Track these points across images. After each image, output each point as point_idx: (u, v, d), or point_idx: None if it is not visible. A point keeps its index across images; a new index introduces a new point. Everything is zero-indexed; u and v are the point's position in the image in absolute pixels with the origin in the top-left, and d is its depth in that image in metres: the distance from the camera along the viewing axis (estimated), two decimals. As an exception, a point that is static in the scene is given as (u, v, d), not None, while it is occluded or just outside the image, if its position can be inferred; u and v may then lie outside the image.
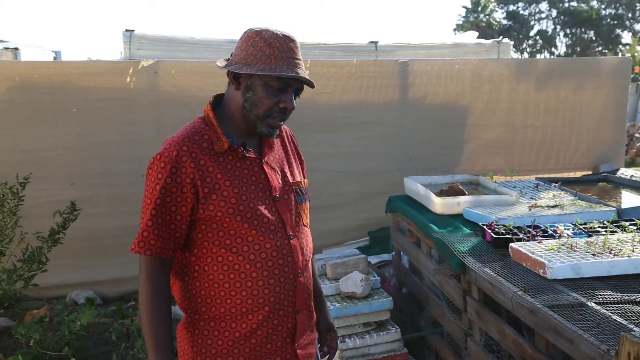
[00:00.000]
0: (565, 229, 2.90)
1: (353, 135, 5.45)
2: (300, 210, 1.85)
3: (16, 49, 6.14)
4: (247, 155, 1.74)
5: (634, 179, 4.31)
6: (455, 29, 36.21)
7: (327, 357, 2.09)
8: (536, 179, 4.40)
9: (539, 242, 2.68)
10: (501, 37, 10.02)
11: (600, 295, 2.15)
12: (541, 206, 3.42)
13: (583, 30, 34.87)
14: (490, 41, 7.15)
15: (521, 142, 5.83)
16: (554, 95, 5.84)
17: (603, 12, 33.83)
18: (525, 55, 36.33)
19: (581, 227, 2.92)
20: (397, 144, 5.55)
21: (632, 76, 6.17)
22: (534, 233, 2.84)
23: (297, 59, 1.69)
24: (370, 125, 5.48)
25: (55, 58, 7.07)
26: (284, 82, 1.67)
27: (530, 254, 2.49)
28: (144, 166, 1.71)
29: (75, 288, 4.95)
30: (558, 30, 36.17)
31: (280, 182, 1.80)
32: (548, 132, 5.88)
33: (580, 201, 3.50)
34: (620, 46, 34.34)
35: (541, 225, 2.95)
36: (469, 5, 36.01)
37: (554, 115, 5.87)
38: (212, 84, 4.66)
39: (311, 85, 1.71)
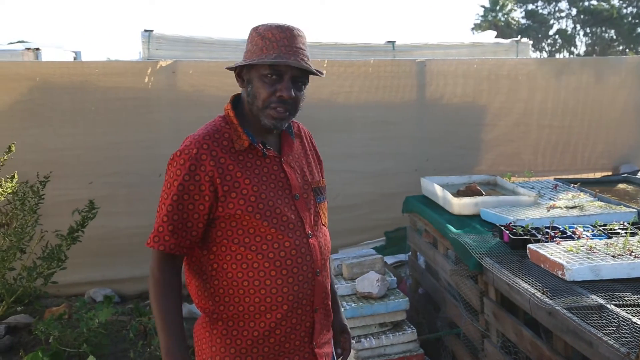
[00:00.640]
0: (584, 230, 2.87)
1: (370, 135, 5.44)
2: (319, 210, 1.85)
3: (37, 49, 6.21)
4: (267, 153, 1.74)
5: (655, 180, 4.25)
6: (473, 29, 35.99)
7: (340, 358, 2.08)
8: (555, 179, 4.36)
9: (557, 244, 2.66)
10: (520, 36, 9.95)
11: (620, 297, 2.12)
12: (560, 207, 3.38)
13: (603, 29, 34.45)
14: (508, 41, 7.09)
15: (540, 142, 5.78)
16: (573, 95, 5.78)
17: (624, 10, 33.40)
18: (545, 54, 36.00)
19: (601, 228, 2.88)
20: (414, 144, 5.53)
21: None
22: (553, 234, 2.81)
23: (294, 47, 1.67)
24: (387, 125, 5.46)
25: (75, 58, 7.15)
26: (275, 70, 1.66)
27: (548, 256, 2.47)
28: (161, 166, 1.72)
29: (94, 286, 5.01)
30: (578, 29, 35.78)
31: (300, 181, 1.81)
32: (567, 132, 5.82)
33: (599, 202, 3.46)
34: (641, 45, 33.93)
35: (560, 227, 2.92)
36: (488, 5, 35.76)
37: (573, 115, 5.81)
38: (230, 84, 4.64)
39: (312, 72, 1.70)
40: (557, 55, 35.03)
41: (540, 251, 2.55)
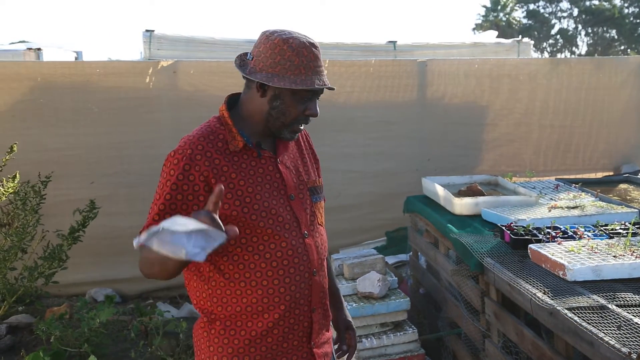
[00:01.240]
0: (585, 230, 2.87)
1: (371, 135, 5.44)
2: (315, 209, 1.85)
3: (39, 49, 6.21)
4: (262, 154, 1.75)
5: (656, 180, 4.25)
6: (474, 29, 35.97)
7: (346, 355, 2.08)
8: (556, 179, 4.35)
9: (558, 244, 2.66)
10: (521, 36, 9.95)
11: (622, 297, 2.12)
12: (561, 207, 3.38)
13: (605, 29, 34.42)
14: (510, 40, 7.08)
15: (541, 142, 5.78)
16: (574, 94, 5.77)
17: (626, 10, 33.36)
18: (546, 54, 35.96)
19: (602, 228, 2.88)
20: (415, 144, 5.53)
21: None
22: (554, 234, 2.81)
23: (321, 67, 1.72)
24: (388, 125, 5.46)
25: (76, 58, 7.15)
26: (312, 91, 1.70)
27: (549, 256, 2.47)
28: (162, 166, 1.72)
29: (95, 286, 5.01)
30: (579, 29, 35.75)
31: (295, 180, 1.81)
32: (568, 132, 5.81)
33: (601, 202, 3.46)
34: (643, 45, 33.86)
35: (561, 227, 2.92)
36: (489, 4, 35.75)
37: (574, 115, 5.80)
38: (231, 83, 4.68)
39: (332, 89, 1.76)
40: (559, 55, 35.00)
41: (542, 251, 2.54)
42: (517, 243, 2.80)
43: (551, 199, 3.66)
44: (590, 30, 35.49)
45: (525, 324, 2.55)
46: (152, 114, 5.03)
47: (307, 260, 1.76)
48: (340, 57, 5.87)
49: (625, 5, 33.33)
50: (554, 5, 35.81)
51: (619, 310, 2.01)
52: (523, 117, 5.71)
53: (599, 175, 5.61)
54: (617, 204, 3.41)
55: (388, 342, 3.23)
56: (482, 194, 3.68)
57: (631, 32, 32.64)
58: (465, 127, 5.60)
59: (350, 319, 2.12)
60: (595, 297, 2.14)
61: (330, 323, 2.01)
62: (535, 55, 31.42)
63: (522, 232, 2.86)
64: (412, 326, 3.33)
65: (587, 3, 34.37)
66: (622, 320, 1.92)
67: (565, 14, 36.13)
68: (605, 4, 33.27)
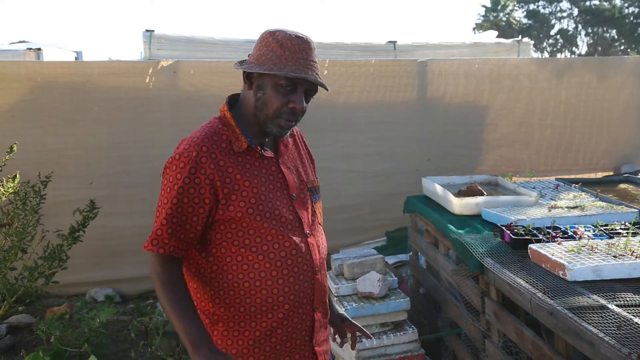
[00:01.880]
0: (585, 230, 2.87)
1: (371, 135, 5.44)
2: (315, 209, 1.86)
3: (39, 49, 6.21)
4: (265, 154, 1.75)
5: (656, 180, 4.24)
6: (474, 29, 35.93)
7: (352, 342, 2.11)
8: (556, 179, 4.35)
9: (558, 244, 2.66)
10: (521, 36, 9.95)
11: (622, 297, 2.12)
12: (561, 207, 3.38)
13: (605, 29, 34.39)
14: (510, 40, 7.08)
15: (541, 142, 5.78)
16: (574, 94, 5.77)
17: (626, 10, 33.34)
18: (546, 54, 35.94)
19: (602, 228, 2.88)
20: (416, 144, 5.53)
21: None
22: (554, 234, 2.81)
23: (310, 60, 1.68)
24: (388, 125, 5.46)
25: (76, 58, 7.14)
26: (292, 82, 1.66)
27: (549, 256, 2.47)
28: (162, 166, 1.72)
29: (95, 286, 5.01)
30: (579, 29, 35.74)
31: (296, 181, 1.82)
32: (568, 132, 5.82)
33: (601, 202, 3.45)
34: (643, 45, 33.81)
35: (561, 227, 2.92)
36: (489, 4, 35.72)
37: (574, 115, 5.80)
38: (231, 83, 4.68)
39: (324, 87, 1.71)
40: (559, 55, 34.98)
41: (542, 251, 2.54)
42: (517, 243, 2.80)
43: (551, 199, 3.66)
44: (590, 30, 35.47)
45: (525, 324, 2.55)
46: (152, 114, 5.03)
47: (309, 260, 1.76)
48: (340, 57, 5.87)
49: (626, 5, 33.31)
50: (554, 5, 35.80)
51: (619, 310, 2.01)
52: (523, 117, 5.71)
53: (599, 175, 5.61)
54: (617, 204, 3.41)
55: (388, 342, 3.23)
56: (482, 194, 3.68)
57: (631, 32, 32.61)
58: (466, 127, 5.61)
59: (342, 311, 2.14)
60: (595, 297, 2.14)
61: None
62: (536, 55, 31.40)
63: (522, 232, 2.86)
64: (412, 326, 3.33)
65: (587, 3, 34.35)
66: (622, 320, 1.92)
67: (565, 14, 36.10)
68: (605, 4, 33.25)
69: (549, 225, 2.95)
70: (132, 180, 5.00)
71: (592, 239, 2.73)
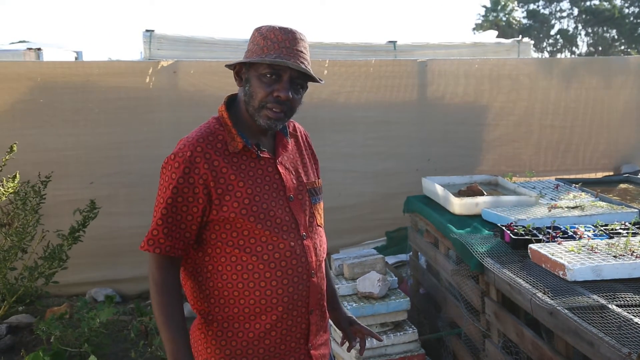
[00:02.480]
0: (585, 230, 2.87)
1: (371, 135, 5.44)
2: (314, 211, 1.84)
3: (39, 49, 6.21)
4: (261, 155, 1.74)
5: (656, 180, 4.24)
6: (474, 29, 35.92)
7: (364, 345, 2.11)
8: (556, 179, 4.35)
9: (558, 244, 2.65)
10: (521, 36, 9.94)
11: (622, 297, 2.12)
12: (561, 207, 3.38)
13: (605, 29, 34.39)
14: (510, 40, 7.08)
15: (541, 142, 5.78)
16: (574, 94, 5.77)
17: (626, 10, 33.34)
18: (546, 54, 35.94)
19: (602, 228, 2.88)
20: (416, 144, 5.53)
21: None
22: (554, 234, 2.81)
23: (294, 49, 1.67)
24: (388, 125, 5.46)
25: (76, 58, 7.15)
26: (276, 71, 1.66)
27: (549, 256, 2.47)
28: (161, 168, 1.72)
29: (95, 286, 5.01)
30: (579, 29, 35.73)
31: (294, 182, 1.80)
32: (569, 132, 5.82)
33: (601, 202, 3.45)
34: (643, 45, 33.79)
35: (561, 227, 2.92)
36: (489, 4, 35.72)
37: (574, 115, 5.80)
38: (231, 83, 4.63)
39: (310, 74, 1.69)
40: (559, 55, 34.98)
41: (542, 251, 2.54)
42: (517, 243, 2.80)
43: (551, 199, 3.66)
44: (590, 30, 35.47)
45: (525, 323, 2.55)
46: (152, 114, 5.03)
47: (305, 262, 1.75)
48: (340, 57, 5.87)
49: (626, 5, 33.30)
50: (554, 6, 35.79)
51: (619, 310, 2.01)
52: (523, 117, 5.71)
53: (599, 175, 5.61)
54: (617, 204, 3.41)
55: (388, 342, 3.23)
56: (482, 194, 3.68)
57: (631, 32, 32.60)
58: (466, 127, 5.60)
59: (350, 315, 2.12)
60: (595, 297, 2.14)
61: (329, 323, 2.00)
62: (535, 55, 31.39)
63: (522, 232, 2.86)
64: (412, 326, 3.33)
65: (587, 3, 34.35)
66: (622, 320, 1.92)
67: (565, 14, 36.11)
68: (605, 4, 33.25)
69: (549, 225, 2.95)
70: (132, 180, 5.00)
71: (592, 239, 2.73)
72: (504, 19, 35.08)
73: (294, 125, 1.94)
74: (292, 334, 1.76)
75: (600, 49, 34.39)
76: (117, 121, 4.96)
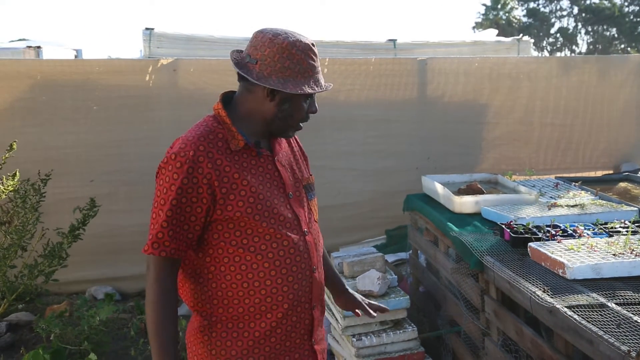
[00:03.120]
0: (585, 228, 2.87)
1: (371, 133, 5.44)
2: (311, 207, 1.86)
3: (39, 47, 6.22)
4: (261, 152, 1.74)
5: (656, 178, 4.24)
6: (474, 27, 35.90)
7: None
8: (556, 178, 4.35)
9: (558, 242, 2.66)
10: (521, 34, 9.93)
11: (621, 295, 2.12)
12: (561, 205, 3.38)
13: (605, 27, 34.37)
14: (510, 39, 7.08)
15: (541, 141, 5.78)
16: (574, 93, 5.77)
17: (626, 9, 33.31)
18: (546, 53, 35.91)
19: (602, 227, 2.88)
20: (416, 142, 5.53)
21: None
22: (554, 232, 2.81)
23: (319, 68, 1.76)
24: (388, 124, 5.46)
25: (76, 56, 7.15)
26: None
27: (549, 254, 2.47)
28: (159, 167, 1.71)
29: (95, 284, 5.01)
30: (579, 27, 35.70)
31: (292, 179, 1.81)
32: (568, 131, 5.82)
33: (600, 201, 3.46)
34: (643, 44, 33.75)
35: (561, 225, 2.92)
36: (489, 3, 35.69)
37: (574, 114, 5.80)
38: (231, 82, 4.64)
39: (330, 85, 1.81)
40: (559, 54, 34.97)
41: (541, 249, 2.55)
42: (517, 241, 2.80)
43: (551, 197, 3.66)
44: (590, 29, 35.44)
45: (524, 322, 2.55)
46: (152, 112, 5.03)
47: (307, 258, 1.76)
48: (340, 56, 5.87)
49: (626, 3, 33.29)
50: (554, 4, 35.77)
51: (618, 308, 2.01)
52: (523, 116, 5.71)
53: (599, 173, 5.61)
54: (617, 202, 3.41)
55: (388, 340, 3.23)
56: (482, 193, 3.68)
57: (631, 31, 32.58)
58: (465, 125, 5.60)
59: (356, 294, 2.17)
60: (594, 295, 2.14)
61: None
62: (535, 53, 31.37)
63: (522, 231, 2.86)
64: (412, 324, 3.33)
65: (587, 1, 34.33)
66: (622, 319, 1.92)
67: (565, 13, 36.09)
68: (606, 2, 33.23)
69: (548, 224, 2.95)
70: (132, 178, 4.99)
71: (592, 237, 2.73)
72: (504, 17, 35.06)
73: None
74: (297, 330, 1.77)
75: (600, 47, 34.38)
76: (117, 119, 4.95)
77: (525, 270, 2.52)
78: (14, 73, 4.83)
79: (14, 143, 4.09)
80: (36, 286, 4.03)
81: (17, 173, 4.01)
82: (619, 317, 1.94)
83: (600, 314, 1.99)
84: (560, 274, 2.36)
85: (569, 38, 35.99)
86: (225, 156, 1.66)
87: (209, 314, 1.72)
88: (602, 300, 2.09)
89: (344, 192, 5.35)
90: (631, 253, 2.41)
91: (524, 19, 36.07)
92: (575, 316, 2.01)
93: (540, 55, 32.39)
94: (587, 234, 2.78)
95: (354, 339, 3.18)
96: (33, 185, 4.03)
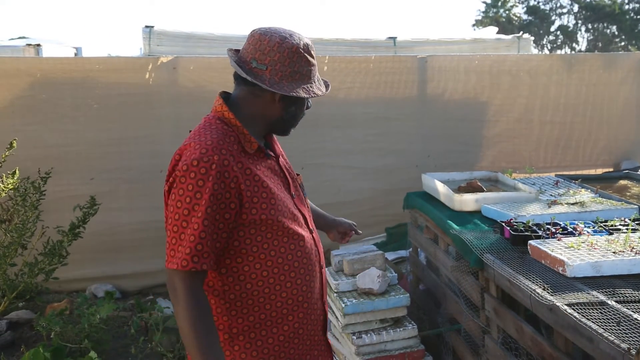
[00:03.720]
0: (585, 226, 2.87)
1: (371, 131, 5.44)
2: (307, 204, 1.89)
3: (38, 45, 6.21)
4: (269, 154, 1.75)
5: (656, 176, 4.24)
6: (474, 25, 35.86)
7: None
8: (556, 175, 4.35)
9: (558, 240, 2.66)
10: (521, 32, 9.93)
11: (621, 293, 2.12)
12: (561, 203, 3.38)
13: (605, 25, 34.33)
14: (510, 37, 7.08)
15: (541, 139, 5.78)
16: (574, 90, 5.77)
17: (626, 6, 33.27)
18: (546, 50, 35.88)
19: (602, 224, 2.88)
20: (416, 140, 5.52)
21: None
22: (554, 230, 2.81)
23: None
24: (388, 121, 5.46)
25: (76, 54, 7.14)
26: None
27: (549, 252, 2.47)
28: (162, 162, 1.71)
29: (95, 282, 5.01)
30: (579, 25, 35.67)
31: (292, 178, 1.84)
32: (569, 129, 5.82)
33: (601, 198, 3.46)
34: (643, 41, 33.71)
35: (561, 223, 2.92)
36: (489, 1, 35.66)
37: (574, 112, 5.80)
38: (231, 79, 4.66)
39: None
40: (559, 52, 34.94)
41: (541, 247, 2.54)
42: (517, 239, 2.80)
43: (551, 195, 3.66)
44: (590, 27, 35.41)
45: (524, 320, 2.55)
46: (152, 110, 5.03)
47: (317, 255, 1.78)
48: (340, 53, 5.87)
49: (626, 1, 33.25)
50: (554, 2, 35.73)
51: (618, 306, 2.01)
52: (523, 114, 5.71)
53: (599, 171, 5.62)
54: (617, 200, 3.41)
55: (388, 338, 3.23)
56: (482, 190, 3.68)
57: (632, 28, 32.55)
58: (466, 123, 5.60)
59: (341, 218, 2.30)
60: (594, 293, 2.14)
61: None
62: (535, 51, 31.34)
63: (522, 228, 2.86)
64: (412, 322, 3.33)
65: (588, -1, 34.28)
66: (622, 316, 1.93)
67: (565, 10, 36.05)
68: (606, 0, 33.20)
69: (548, 222, 2.95)
70: (132, 176, 5.00)
71: (592, 235, 2.73)
72: (504, 15, 35.03)
73: None
74: (315, 327, 1.78)
75: (600, 45, 34.34)
76: (117, 117, 4.95)
77: (525, 268, 2.52)
78: (14, 71, 4.82)
79: (14, 141, 4.09)
80: (36, 284, 4.03)
81: (17, 171, 4.01)
82: (619, 314, 1.94)
83: (600, 312, 1.99)
84: (560, 272, 2.36)
85: (569, 36, 35.95)
86: (245, 159, 1.63)
87: (229, 327, 1.67)
88: (602, 298, 2.09)
89: (343, 190, 5.34)
90: (631, 251, 2.41)
91: (524, 17, 36.03)
92: (575, 314, 2.01)
93: (540, 53, 32.37)
94: (587, 232, 2.78)
95: (354, 337, 3.18)
96: (33, 183, 4.03)
